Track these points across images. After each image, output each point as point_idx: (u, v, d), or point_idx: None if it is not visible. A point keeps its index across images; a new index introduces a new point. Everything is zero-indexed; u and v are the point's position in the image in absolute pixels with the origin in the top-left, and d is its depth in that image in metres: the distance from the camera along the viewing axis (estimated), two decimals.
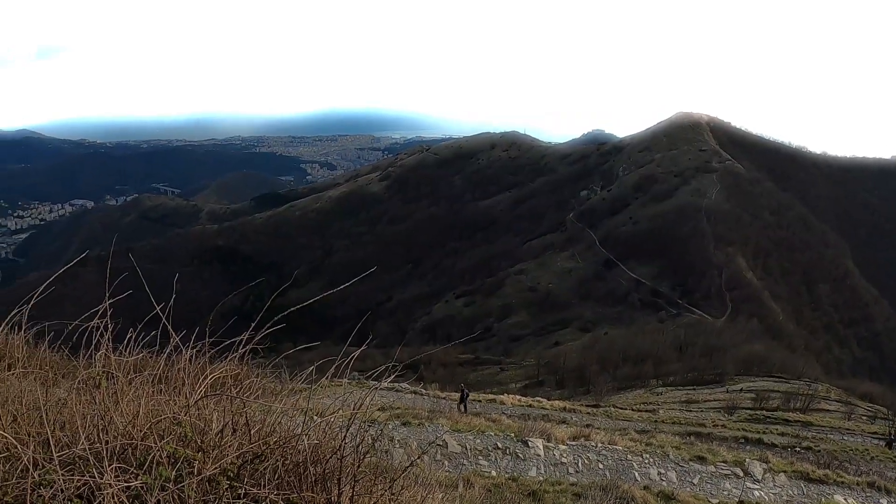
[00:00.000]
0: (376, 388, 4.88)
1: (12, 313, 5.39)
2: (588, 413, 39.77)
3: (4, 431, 3.90)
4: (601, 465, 16.39)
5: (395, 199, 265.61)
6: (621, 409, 46.33)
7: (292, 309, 5.04)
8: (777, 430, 39.14)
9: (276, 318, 4.69)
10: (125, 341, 5.15)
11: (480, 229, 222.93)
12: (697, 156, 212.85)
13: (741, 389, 63.34)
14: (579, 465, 16.16)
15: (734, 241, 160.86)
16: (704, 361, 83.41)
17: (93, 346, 5.13)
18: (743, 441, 33.52)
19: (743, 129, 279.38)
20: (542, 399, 42.56)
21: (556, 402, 43.91)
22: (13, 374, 5.36)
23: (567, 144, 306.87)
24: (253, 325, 4.76)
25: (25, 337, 6.68)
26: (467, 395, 34.43)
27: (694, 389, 68.17)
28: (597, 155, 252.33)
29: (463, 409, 30.93)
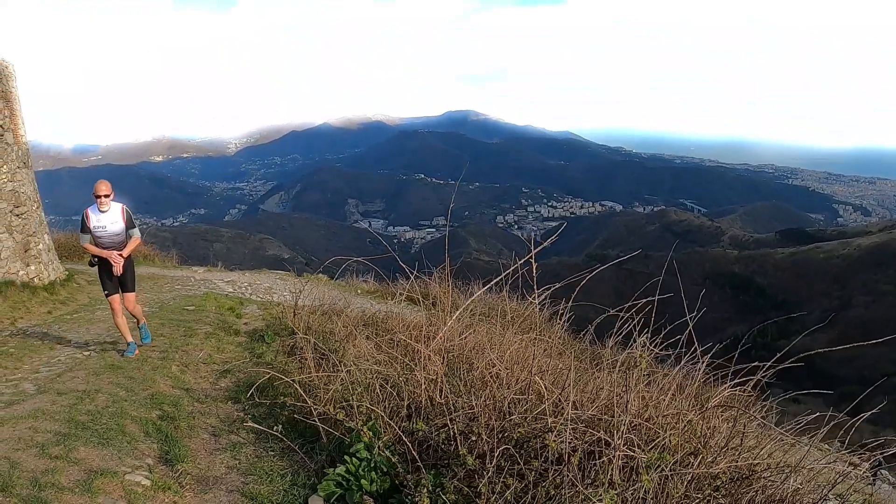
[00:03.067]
0: (864, 462, 4.82)
1: (542, 289, 6.13)
2: None
3: (535, 378, 4.59)
4: None
5: None
6: None
7: (811, 352, 5.11)
8: None
9: (796, 358, 4.80)
10: (639, 340, 5.65)
11: None
12: None
13: None
14: None
15: None
16: None
17: (611, 336, 5.71)
18: None
19: None
20: None
21: None
22: (534, 338, 6.16)
23: None
24: (774, 359, 4.93)
25: (544, 313, 7.47)
26: None
27: None
28: None
29: None
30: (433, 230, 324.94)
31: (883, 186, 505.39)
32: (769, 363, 5.00)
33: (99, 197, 10.03)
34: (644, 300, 6.10)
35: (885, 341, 5.85)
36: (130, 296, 10.67)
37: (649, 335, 5.83)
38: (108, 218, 10.15)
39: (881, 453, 5.08)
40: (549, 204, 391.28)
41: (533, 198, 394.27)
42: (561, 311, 7.70)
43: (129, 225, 10.32)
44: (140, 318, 10.92)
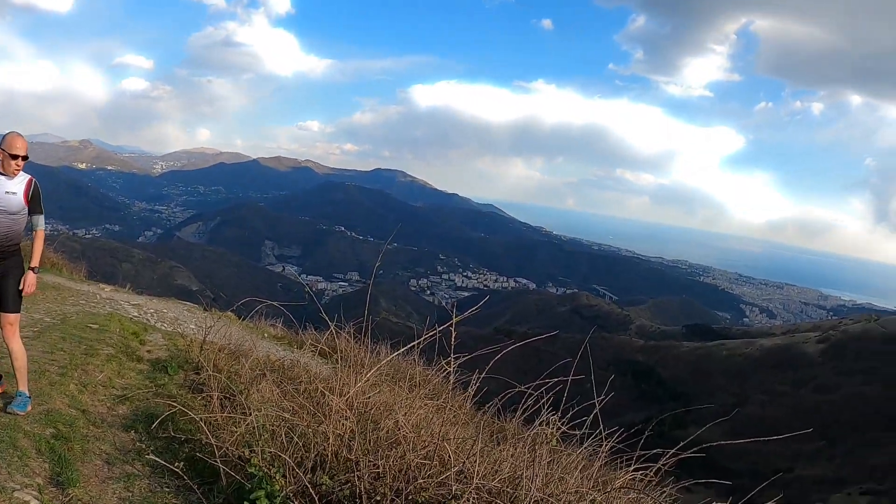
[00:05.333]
0: None
1: (450, 359, 6.26)
2: None
3: (442, 444, 4.67)
4: None
5: (828, 365, 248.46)
6: None
7: (711, 444, 5.32)
8: None
9: (692, 451, 4.99)
10: (545, 415, 5.79)
11: None
12: None
13: None
14: None
15: None
16: None
17: (518, 411, 5.84)
18: None
19: None
20: None
21: None
22: (438, 404, 6.24)
23: None
24: (678, 447, 5.11)
25: (451, 381, 7.57)
26: None
27: None
28: None
29: None
30: (345, 284, 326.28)
31: (790, 291, 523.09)
32: (672, 451, 5.19)
33: (15, 157, 7.10)
34: (554, 380, 6.24)
35: (778, 439, 6.09)
36: (11, 317, 7.22)
37: (557, 414, 5.95)
38: (11, 186, 7.14)
39: None
40: (465, 274, 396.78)
41: (449, 266, 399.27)
42: (470, 382, 7.79)
43: (36, 207, 7.36)
44: (19, 367, 7.41)
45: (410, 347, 7.57)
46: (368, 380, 7.22)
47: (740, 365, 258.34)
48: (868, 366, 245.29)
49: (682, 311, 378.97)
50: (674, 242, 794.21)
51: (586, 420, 5.96)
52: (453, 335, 5.62)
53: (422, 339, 6.94)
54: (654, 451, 5.28)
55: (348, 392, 6.47)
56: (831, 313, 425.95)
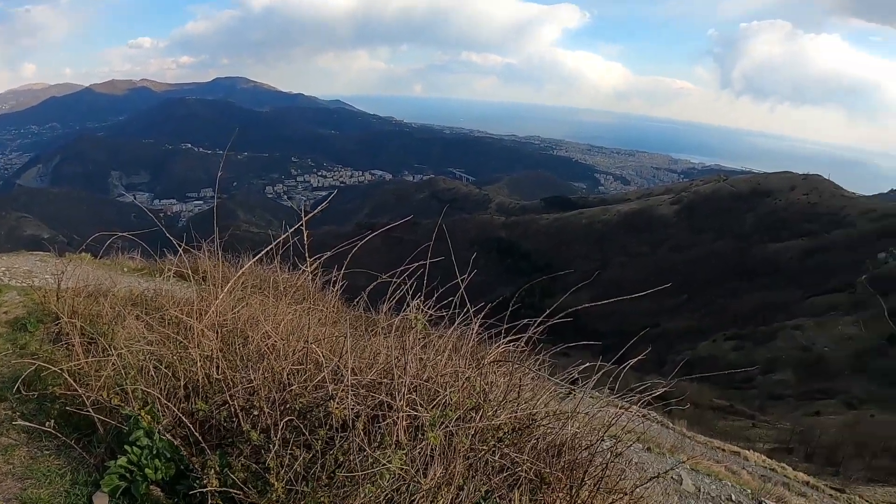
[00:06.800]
0: (633, 405, 5.16)
1: (313, 259, 6.15)
2: (830, 495, 37.33)
3: (311, 347, 4.62)
4: None
5: (683, 225, 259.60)
6: (867, 501, 43.14)
7: (577, 308, 5.44)
8: None
9: (563, 314, 5.08)
10: (412, 301, 5.78)
11: (763, 273, 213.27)
12: None
13: None
14: None
15: None
16: None
17: (385, 300, 5.81)
18: None
19: None
20: (786, 466, 40.50)
21: (801, 473, 41.59)
22: (308, 307, 6.16)
23: (872, 198, 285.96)
24: (544, 315, 5.19)
25: (316, 282, 7.50)
26: None
27: None
28: None
29: None
30: (201, 202, 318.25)
31: (642, 158, 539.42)
32: (538, 320, 5.29)
33: None
34: (415, 265, 6.23)
35: (641, 297, 6.29)
36: None
37: (422, 299, 5.96)
38: None
39: (649, 395, 5.50)
40: (319, 174, 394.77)
41: (303, 167, 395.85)
42: (333, 280, 7.71)
43: None
44: None
45: (265, 254, 7.39)
46: (233, 294, 7.06)
47: (599, 231, 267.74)
48: (720, 223, 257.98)
49: (538, 185, 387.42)
50: (525, 119, 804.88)
51: (454, 301, 6.00)
52: (307, 235, 5.50)
53: (274, 244, 6.78)
54: (524, 321, 5.37)
55: (211, 311, 6.31)
56: (682, 176, 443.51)
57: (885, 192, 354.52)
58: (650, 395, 5.42)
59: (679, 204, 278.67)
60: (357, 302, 8.06)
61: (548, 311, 5.35)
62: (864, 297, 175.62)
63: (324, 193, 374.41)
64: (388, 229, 8.47)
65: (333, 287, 7.88)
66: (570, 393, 5.92)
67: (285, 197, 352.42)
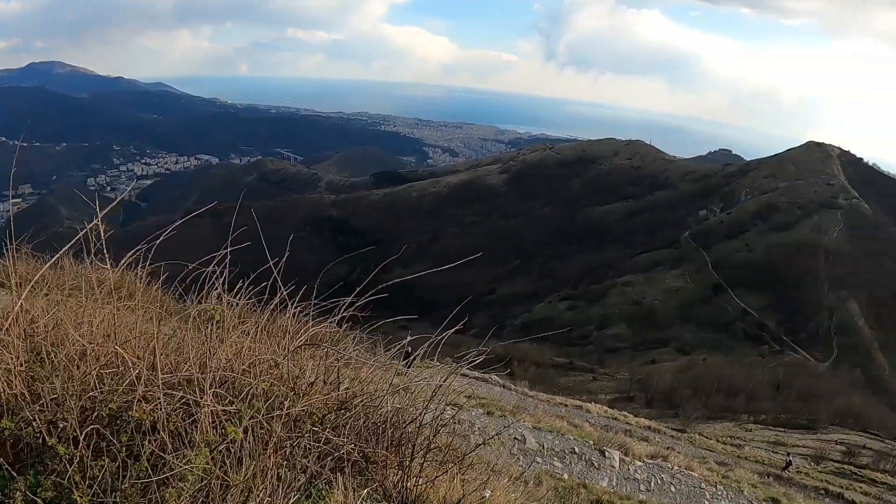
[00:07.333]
0: (460, 369, 5.15)
1: (132, 252, 5.87)
2: (672, 436, 39.17)
3: (117, 349, 4.39)
4: (673, 489, 16.30)
5: (512, 193, 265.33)
6: (706, 438, 45.43)
7: (395, 281, 5.40)
8: (861, 488, 37.40)
9: (378, 288, 5.02)
10: (235, 290, 5.58)
11: (592, 236, 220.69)
12: (824, 190, 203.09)
13: (834, 441, 61.17)
14: (651, 483, 16.11)
15: (849, 285, 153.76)
16: (799, 405, 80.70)
17: (205, 290, 5.59)
18: (823, 493, 32.45)
19: (875, 165, 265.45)
20: (627, 414, 42.18)
21: (642, 419, 43.39)
22: (126, 305, 5.87)
23: (691, 160, 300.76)
24: (355, 293, 5.10)
25: (141, 275, 7.20)
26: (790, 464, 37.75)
27: (784, 432, 65.96)
28: (720, 175, 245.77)
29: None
30: (18, 200, 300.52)
31: (469, 130, 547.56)
32: (349, 299, 5.20)
33: None
34: (239, 247, 6.03)
35: (474, 264, 6.33)
36: None
37: (245, 285, 5.78)
38: None
39: (482, 359, 5.50)
40: (143, 161, 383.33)
41: (125, 156, 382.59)
42: (156, 272, 7.40)
43: None
44: None
45: (65, 251, 6.98)
46: (49, 297, 6.67)
47: (430, 204, 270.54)
48: (547, 189, 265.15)
49: (367, 162, 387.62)
50: (353, 96, 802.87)
51: (274, 285, 5.85)
52: (101, 229, 5.22)
53: (74, 239, 6.42)
54: (341, 300, 5.26)
55: (11, 318, 5.93)
56: (510, 146, 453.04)
57: (704, 154, 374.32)
58: (482, 359, 5.42)
59: (507, 173, 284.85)
60: (178, 293, 7.78)
61: (362, 286, 5.26)
62: (688, 251, 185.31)
63: (148, 182, 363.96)
64: (194, 215, 8.13)
65: (158, 281, 7.57)
66: (399, 367, 5.88)
67: (109, 189, 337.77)
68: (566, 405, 37.31)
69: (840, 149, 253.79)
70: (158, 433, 3.92)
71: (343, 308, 5.25)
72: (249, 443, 3.84)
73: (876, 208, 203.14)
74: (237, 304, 5.30)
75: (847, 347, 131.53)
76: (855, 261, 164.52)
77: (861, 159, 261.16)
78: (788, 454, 42.60)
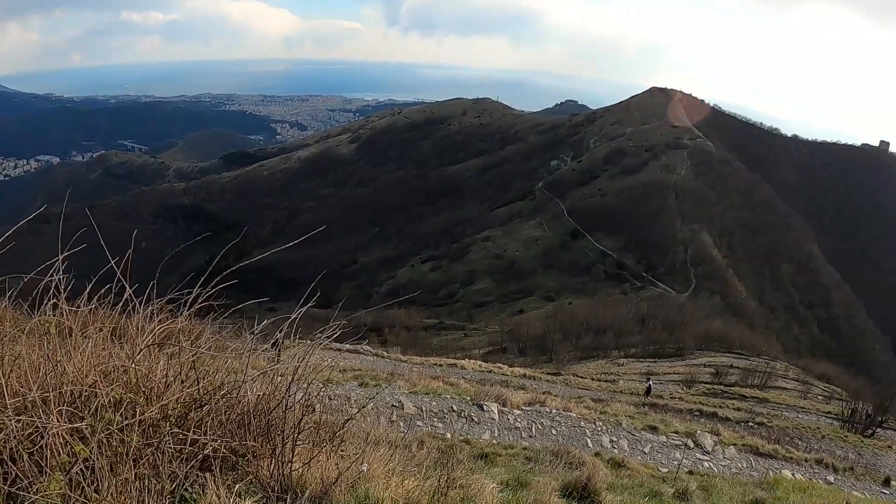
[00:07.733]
0: (320, 344, 5.00)
1: None
2: (547, 381, 40.11)
3: None
4: (554, 431, 16.61)
5: (364, 161, 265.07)
6: (581, 377, 46.74)
7: (242, 263, 5.16)
8: (733, 405, 39.71)
9: (227, 272, 4.79)
10: (82, 296, 5.23)
11: (448, 195, 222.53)
12: (669, 132, 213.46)
13: (702, 364, 63.96)
14: (533, 429, 16.37)
15: (700, 218, 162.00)
16: (666, 335, 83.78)
17: (48, 300, 5.22)
18: (698, 414, 34.05)
19: (716, 107, 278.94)
20: (502, 365, 42.93)
21: (517, 368, 44.26)
22: None
23: (539, 113, 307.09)
24: (203, 280, 4.84)
25: None
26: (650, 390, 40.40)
27: (654, 362, 68.74)
28: (568, 125, 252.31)
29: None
30: None
31: (315, 102, 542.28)
32: (198, 285, 4.94)
33: None
34: (76, 250, 5.67)
35: (332, 237, 6.13)
36: None
37: (91, 287, 5.43)
38: None
39: (343, 330, 5.34)
40: None
41: None
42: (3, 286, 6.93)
43: None
44: None
45: None
46: None
47: (283, 180, 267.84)
48: (399, 153, 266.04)
49: (215, 144, 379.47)
50: (194, 77, 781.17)
51: (123, 284, 5.55)
52: None
53: None
54: (189, 291, 5.00)
55: None
56: (358, 114, 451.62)
57: (551, 106, 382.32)
58: (351, 329, 5.27)
59: (358, 142, 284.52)
60: (28, 309, 7.30)
61: (208, 272, 4.99)
62: (543, 201, 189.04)
63: None
64: (14, 229, 7.64)
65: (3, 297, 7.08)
66: (263, 351, 5.68)
67: None
68: (441, 365, 37.65)
69: (682, 92, 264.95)
70: (8, 465, 3.64)
71: (195, 298, 4.96)
72: (106, 458, 3.61)
73: (719, 146, 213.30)
74: (80, 311, 4.96)
75: (704, 276, 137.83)
76: (703, 195, 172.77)
77: (703, 101, 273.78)
78: (648, 380, 44.93)
